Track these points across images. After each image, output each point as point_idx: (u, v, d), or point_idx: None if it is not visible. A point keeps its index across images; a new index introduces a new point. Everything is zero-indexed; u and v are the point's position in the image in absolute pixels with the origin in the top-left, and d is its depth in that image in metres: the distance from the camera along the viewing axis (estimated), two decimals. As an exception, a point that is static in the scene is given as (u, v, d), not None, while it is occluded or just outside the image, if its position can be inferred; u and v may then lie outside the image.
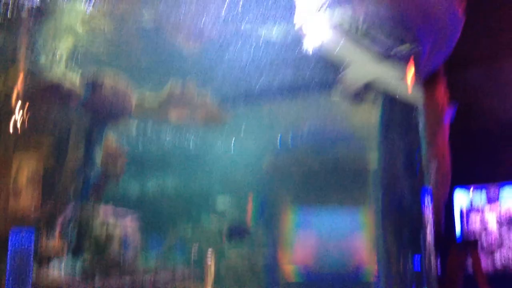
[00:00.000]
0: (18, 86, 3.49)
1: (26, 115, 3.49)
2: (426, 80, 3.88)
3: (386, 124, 3.83)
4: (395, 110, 3.74)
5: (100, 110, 3.84)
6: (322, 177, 6.62)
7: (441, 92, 5.48)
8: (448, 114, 5.63)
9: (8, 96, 3.42)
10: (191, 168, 6.74)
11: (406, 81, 3.21)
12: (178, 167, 6.52)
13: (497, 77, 7.64)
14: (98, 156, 3.97)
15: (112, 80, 3.88)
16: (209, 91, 4.52)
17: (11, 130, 3.41)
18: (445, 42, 3.05)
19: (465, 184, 7.68)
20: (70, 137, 3.77)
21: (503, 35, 6.78)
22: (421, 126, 3.28)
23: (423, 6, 2.61)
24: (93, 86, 3.84)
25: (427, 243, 3.36)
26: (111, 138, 4.19)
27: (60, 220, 3.60)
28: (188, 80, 4.38)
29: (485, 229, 6.09)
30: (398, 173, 3.61)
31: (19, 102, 3.45)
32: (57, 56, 3.99)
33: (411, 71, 3.17)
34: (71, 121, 3.80)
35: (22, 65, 3.63)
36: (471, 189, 6.52)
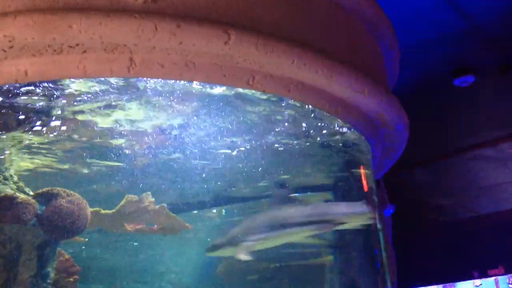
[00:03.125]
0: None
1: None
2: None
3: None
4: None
5: (54, 225, 3.77)
6: (277, 283, 6.55)
7: (381, 191, 5.71)
8: (387, 211, 5.86)
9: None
10: (142, 277, 6.56)
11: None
12: (128, 278, 6.33)
13: (442, 176, 8.00)
14: (51, 273, 3.85)
15: (67, 195, 3.87)
16: (165, 202, 4.54)
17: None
18: (393, 150, 3.22)
19: (420, 284, 7.76)
20: (22, 253, 3.67)
21: (448, 137, 7.19)
22: (379, 226, 3.34)
23: (372, 120, 2.78)
24: (47, 200, 3.81)
25: None
26: (64, 254, 4.09)
27: None
28: (144, 194, 4.40)
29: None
30: (356, 276, 3.63)
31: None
32: (10, 171, 3.96)
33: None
34: (24, 237, 3.71)
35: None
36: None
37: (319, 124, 3.12)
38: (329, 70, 2.32)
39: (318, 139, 3.48)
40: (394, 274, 5.39)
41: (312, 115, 2.92)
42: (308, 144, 3.74)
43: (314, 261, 5.81)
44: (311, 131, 3.34)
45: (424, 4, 5.25)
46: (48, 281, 3.80)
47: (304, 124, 3.21)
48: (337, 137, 3.27)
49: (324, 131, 3.24)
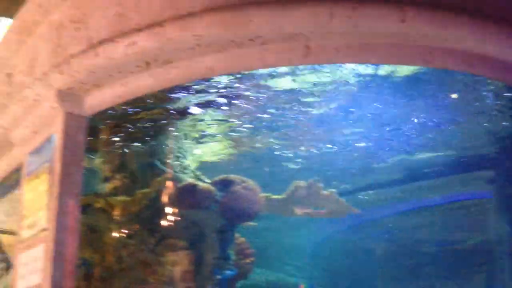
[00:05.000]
0: (163, 190, 3.76)
1: (169, 217, 3.72)
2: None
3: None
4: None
5: (232, 210, 3.99)
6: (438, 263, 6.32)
7: None
8: None
9: (155, 199, 3.66)
10: (309, 260, 6.68)
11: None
12: (297, 260, 6.48)
13: None
14: (231, 255, 4.09)
15: (242, 182, 4.07)
16: (334, 187, 4.60)
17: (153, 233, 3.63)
18: None
19: None
20: (205, 237, 3.94)
21: None
22: None
23: None
24: (225, 187, 4.04)
25: None
26: (241, 237, 4.32)
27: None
28: (313, 179, 4.48)
29: None
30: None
31: (163, 205, 3.68)
32: (188, 161, 4.26)
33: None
34: (205, 221, 3.98)
35: (167, 169, 3.92)
36: None
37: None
38: (514, 39, 2.16)
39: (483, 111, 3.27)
40: None
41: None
42: (471, 116, 3.53)
43: (473, 244, 5.48)
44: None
45: None
46: (230, 262, 4.05)
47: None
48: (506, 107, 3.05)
49: (490, 101, 3.04)
